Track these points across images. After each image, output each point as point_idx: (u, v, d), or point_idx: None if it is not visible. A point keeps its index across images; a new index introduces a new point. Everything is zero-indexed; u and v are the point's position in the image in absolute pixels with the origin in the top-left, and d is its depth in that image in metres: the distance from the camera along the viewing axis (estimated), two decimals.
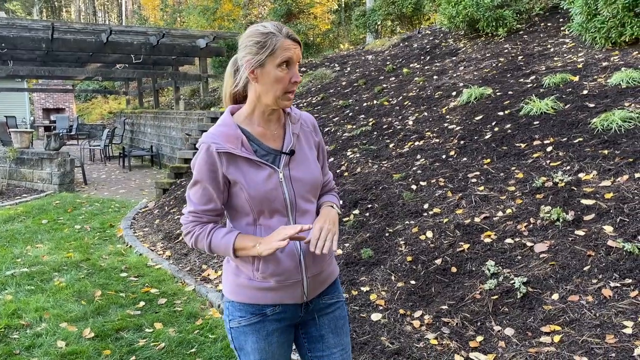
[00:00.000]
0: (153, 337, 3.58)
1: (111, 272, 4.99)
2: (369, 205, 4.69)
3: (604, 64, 5.91)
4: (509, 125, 5.16)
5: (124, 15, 39.60)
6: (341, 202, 4.91)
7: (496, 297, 3.07)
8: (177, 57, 13.52)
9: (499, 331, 2.83)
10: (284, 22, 20.09)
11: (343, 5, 22.46)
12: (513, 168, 4.36)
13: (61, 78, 18.70)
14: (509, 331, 2.80)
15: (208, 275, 4.68)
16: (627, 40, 6.24)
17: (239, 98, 1.64)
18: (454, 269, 3.48)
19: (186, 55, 12.82)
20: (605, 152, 4.02)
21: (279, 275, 1.57)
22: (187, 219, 1.60)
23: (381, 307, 3.39)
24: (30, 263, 5.25)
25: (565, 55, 6.82)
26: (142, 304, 4.18)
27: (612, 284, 2.81)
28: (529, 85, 6.04)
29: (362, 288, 3.65)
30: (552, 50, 7.22)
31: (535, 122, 4.98)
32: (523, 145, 4.66)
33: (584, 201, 3.54)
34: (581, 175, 3.86)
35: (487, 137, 5.12)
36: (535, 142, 4.61)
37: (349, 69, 11.51)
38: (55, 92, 22.84)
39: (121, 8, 42.11)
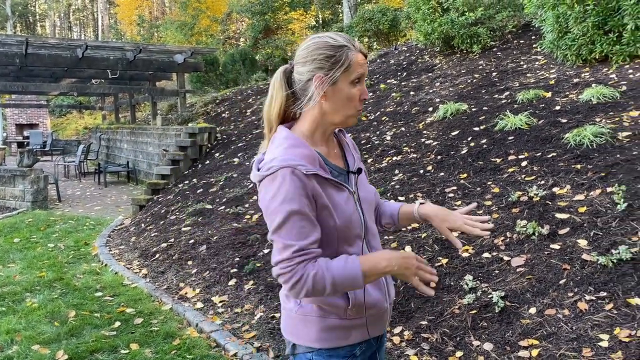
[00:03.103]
0: (129, 358, 3.49)
1: (85, 291, 4.87)
2: None
3: (575, 80, 6.07)
4: (484, 141, 5.24)
5: (100, 30, 39.29)
6: None
7: (475, 311, 3.09)
8: (154, 72, 13.43)
9: (478, 346, 2.85)
10: (262, 37, 20.19)
11: (321, 21, 22.70)
12: (489, 183, 4.42)
13: (35, 93, 18.40)
14: (487, 346, 2.81)
15: (185, 293, 4.61)
16: (597, 57, 6.42)
17: (288, 117, 1.46)
18: (432, 284, 3.50)
19: (164, 71, 12.75)
20: (578, 166, 4.11)
21: (372, 307, 1.44)
22: (291, 263, 1.30)
23: None
24: (2, 283, 5.10)
25: (537, 71, 6.98)
26: (117, 324, 4.09)
27: (587, 297, 2.85)
28: (503, 101, 6.16)
29: None
30: (525, 66, 7.38)
31: (510, 137, 5.07)
32: (498, 160, 4.73)
33: (559, 215, 3.60)
34: (555, 189, 3.93)
35: (463, 152, 5.19)
36: (511, 157, 4.69)
37: None
38: (29, 108, 22.44)
39: (97, 23, 41.81)
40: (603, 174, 3.87)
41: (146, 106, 20.33)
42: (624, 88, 5.30)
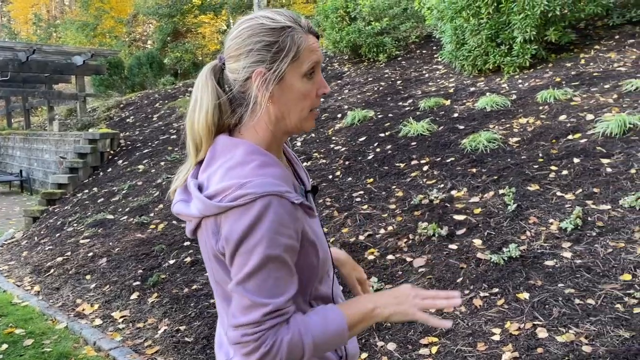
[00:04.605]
0: None
1: None
2: None
3: (472, 89, 6.44)
4: (389, 146, 5.40)
5: None
6: None
7: None
8: (50, 74, 12.57)
9: (382, 346, 2.90)
10: (171, 40, 19.59)
11: (232, 26, 22.48)
12: (394, 187, 4.56)
13: None
14: (391, 346, 2.88)
15: (83, 310, 4.31)
16: (490, 67, 6.86)
17: (222, 128, 1.11)
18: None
19: (61, 73, 11.97)
20: (474, 170, 4.34)
21: (354, 356, 1.22)
22: (260, 329, 0.97)
23: None
24: None
25: (438, 80, 7.34)
26: (4, 346, 3.75)
27: (481, 294, 3.01)
28: (407, 108, 6.40)
29: None
30: (427, 75, 7.74)
31: (413, 143, 5.26)
32: (402, 165, 4.90)
33: (456, 217, 3.78)
34: (453, 192, 4.13)
35: (370, 157, 5.32)
36: (413, 162, 4.87)
37: None
38: None
39: None
40: (496, 177, 4.12)
41: (43, 111, 18.99)
42: (514, 97, 5.71)
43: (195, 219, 1.04)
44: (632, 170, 3.72)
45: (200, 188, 1.05)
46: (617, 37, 6.72)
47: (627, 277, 2.83)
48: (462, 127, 5.28)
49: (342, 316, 1.03)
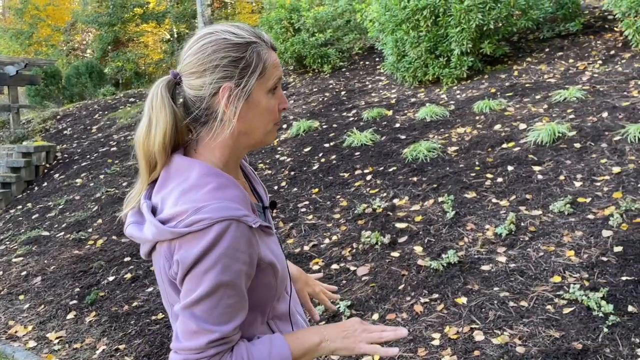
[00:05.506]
0: None
1: None
2: None
3: (412, 100, 6.62)
4: (334, 156, 5.46)
5: None
6: None
7: (323, 322, 3.17)
8: None
9: (325, 357, 2.91)
10: (111, 50, 19.07)
11: (175, 35, 22.10)
12: (338, 196, 4.61)
13: None
14: (333, 356, 2.89)
15: (16, 332, 4.09)
16: (430, 79, 7.08)
17: (176, 145, 1.09)
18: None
19: None
20: (415, 179, 4.46)
21: None
22: (202, 356, 0.97)
23: None
24: None
25: (381, 91, 7.50)
26: None
27: (422, 300, 3.08)
28: (351, 119, 6.50)
29: None
30: (370, 86, 7.89)
31: (356, 153, 5.34)
32: (346, 175, 4.96)
33: (398, 225, 3.86)
34: (395, 201, 4.22)
35: (315, 167, 5.35)
36: (357, 172, 4.94)
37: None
38: None
39: None
40: (435, 185, 4.24)
41: None
42: (453, 107, 5.91)
43: (150, 242, 1.03)
44: (561, 177, 3.92)
45: (154, 210, 1.03)
46: (547, 49, 7.09)
47: (557, 279, 2.97)
48: (403, 137, 5.40)
49: (287, 347, 1.03)
